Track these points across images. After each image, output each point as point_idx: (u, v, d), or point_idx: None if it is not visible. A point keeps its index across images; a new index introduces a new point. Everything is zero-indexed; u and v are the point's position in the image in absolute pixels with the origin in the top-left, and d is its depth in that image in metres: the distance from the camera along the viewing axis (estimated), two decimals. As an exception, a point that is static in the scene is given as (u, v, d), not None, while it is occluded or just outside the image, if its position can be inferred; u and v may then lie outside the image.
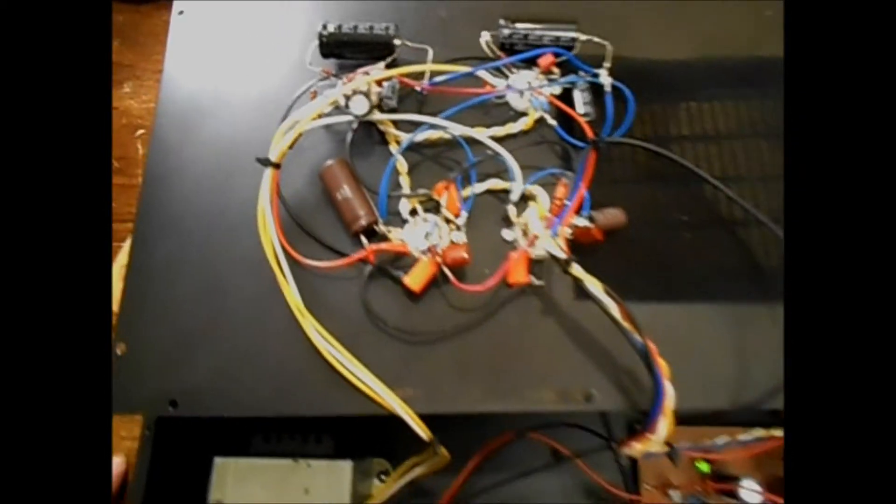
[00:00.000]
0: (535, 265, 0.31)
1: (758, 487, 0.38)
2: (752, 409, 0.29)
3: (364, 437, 0.41)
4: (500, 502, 0.43)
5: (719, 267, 0.32)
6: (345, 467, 0.38)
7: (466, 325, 0.31)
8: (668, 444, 0.34)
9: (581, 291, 0.31)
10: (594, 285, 0.26)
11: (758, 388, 0.30)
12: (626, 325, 0.26)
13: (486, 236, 0.32)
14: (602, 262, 0.29)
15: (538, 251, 0.31)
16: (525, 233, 0.31)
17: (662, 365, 0.27)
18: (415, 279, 0.30)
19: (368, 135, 0.35)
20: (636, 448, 0.29)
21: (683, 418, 0.31)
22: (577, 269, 0.27)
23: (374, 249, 0.31)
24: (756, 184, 0.34)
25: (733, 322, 0.31)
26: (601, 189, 0.32)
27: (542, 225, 0.30)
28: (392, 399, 0.30)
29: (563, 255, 0.27)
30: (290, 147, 0.33)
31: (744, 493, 0.38)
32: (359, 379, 0.30)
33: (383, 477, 0.44)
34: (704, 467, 0.42)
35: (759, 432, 0.36)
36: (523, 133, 0.35)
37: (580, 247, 0.31)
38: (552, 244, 0.28)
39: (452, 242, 0.31)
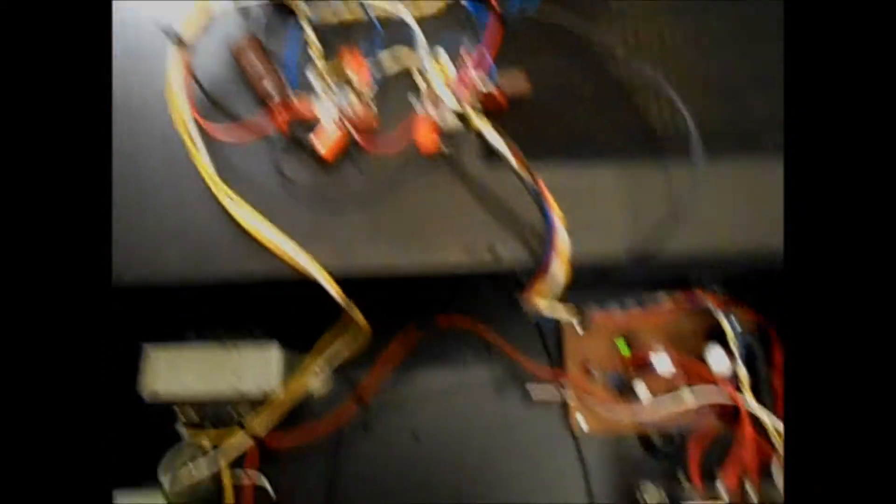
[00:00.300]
0: (445, 139, 0.33)
1: (666, 356, 0.41)
2: (645, 260, 0.31)
3: (295, 334, 0.41)
4: (433, 393, 0.45)
5: (620, 131, 0.33)
6: (273, 351, 0.39)
7: (377, 191, 0.32)
8: (577, 308, 0.36)
9: (487, 157, 0.32)
10: (491, 134, 0.28)
11: (651, 240, 0.31)
12: (520, 169, 0.28)
13: (396, 109, 0.33)
14: (507, 129, 0.31)
15: (447, 121, 0.32)
16: (432, 101, 0.32)
17: (554, 206, 0.28)
18: (326, 146, 0.31)
19: (281, 15, 0.35)
20: (537, 294, 0.31)
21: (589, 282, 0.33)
22: (475, 120, 0.28)
23: (286, 118, 0.32)
24: (654, 55, 0.35)
25: (631, 181, 0.32)
26: (508, 63, 0.34)
27: (447, 89, 0.31)
28: (306, 261, 0.31)
29: (461, 109, 0.28)
30: (203, 28, 0.33)
31: (655, 362, 0.41)
32: (274, 243, 0.31)
33: (316, 370, 0.46)
34: (624, 349, 0.44)
35: (663, 297, 0.39)
36: (435, 18, 0.36)
37: (487, 115, 0.32)
38: (453, 100, 0.29)
39: (362, 111, 0.32)
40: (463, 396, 0.45)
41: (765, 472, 0.38)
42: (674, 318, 0.43)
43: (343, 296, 0.32)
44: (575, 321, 0.35)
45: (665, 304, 0.39)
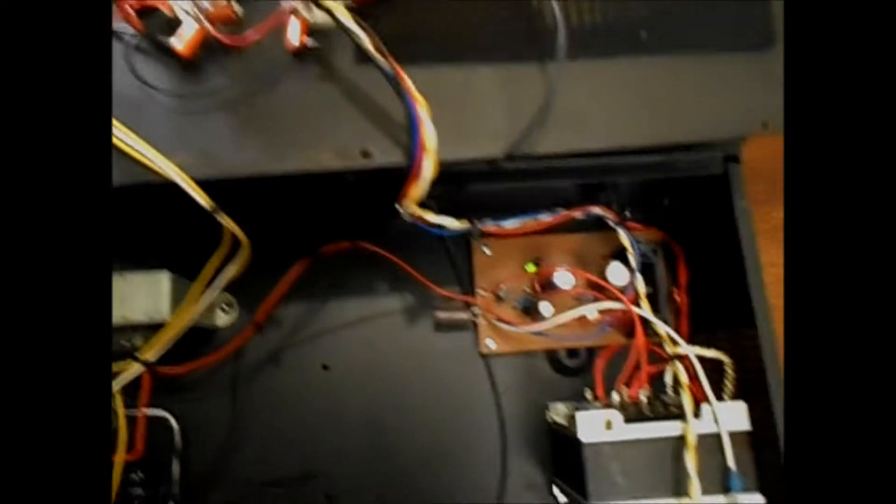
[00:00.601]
0: (314, 35, 0.31)
1: (569, 274, 0.40)
2: (521, 157, 0.30)
3: (187, 262, 0.40)
4: (341, 322, 0.44)
5: (500, 32, 0.32)
6: (162, 276, 0.37)
7: (242, 91, 0.30)
8: (468, 219, 0.35)
9: (360, 57, 0.31)
10: (343, 15, 0.26)
11: (528, 139, 0.31)
12: (376, 55, 0.26)
13: (261, 3, 0.31)
14: (381, 27, 0.29)
15: (315, 16, 0.30)
16: (300, -4, 0.30)
17: (419, 98, 0.27)
18: (182, 41, 0.29)
19: None
20: (409, 198, 0.30)
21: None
22: (335, 9, 0.26)
23: (138, 13, 0.29)
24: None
25: (509, 81, 0.31)
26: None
27: (310, -21, 0.29)
28: (167, 166, 0.29)
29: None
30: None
31: (557, 279, 0.40)
32: (133, 149, 0.29)
33: (224, 307, 0.44)
34: (531, 268, 0.44)
35: (560, 211, 0.38)
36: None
37: (357, 12, 0.31)
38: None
39: (222, 4, 0.30)
40: (372, 323, 0.44)
41: (659, 380, 0.39)
42: (583, 240, 0.43)
43: (209, 200, 0.30)
44: (465, 229, 0.34)
45: (561, 217, 0.38)
